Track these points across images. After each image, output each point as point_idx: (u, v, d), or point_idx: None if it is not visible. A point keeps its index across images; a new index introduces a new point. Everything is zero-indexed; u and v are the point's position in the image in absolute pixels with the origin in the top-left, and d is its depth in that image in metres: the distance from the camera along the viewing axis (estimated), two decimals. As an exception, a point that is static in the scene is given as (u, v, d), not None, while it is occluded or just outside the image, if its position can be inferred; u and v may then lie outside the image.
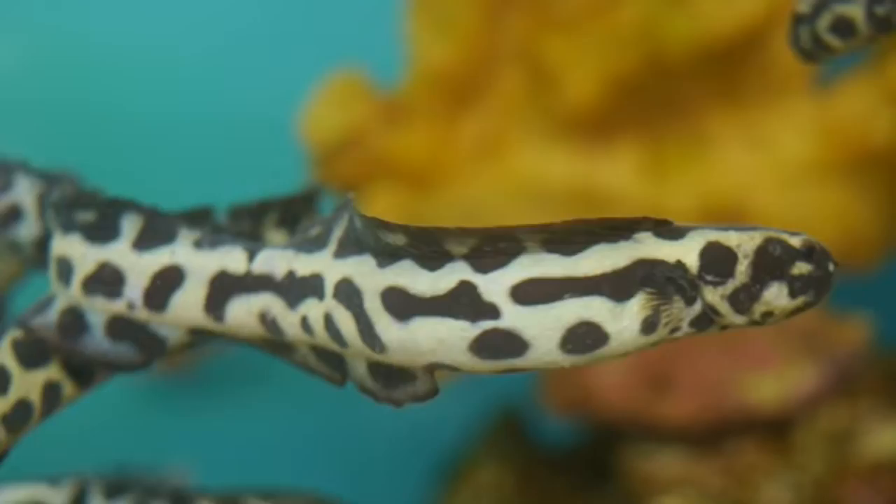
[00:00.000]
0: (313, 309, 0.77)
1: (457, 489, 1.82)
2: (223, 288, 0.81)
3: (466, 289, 0.75)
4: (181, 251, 0.81)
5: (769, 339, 1.68)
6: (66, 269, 0.84)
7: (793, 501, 1.63)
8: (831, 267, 0.78)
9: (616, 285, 0.75)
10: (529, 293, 0.75)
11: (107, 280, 0.81)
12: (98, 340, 0.84)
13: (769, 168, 1.81)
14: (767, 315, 0.78)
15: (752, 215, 1.76)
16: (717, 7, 1.74)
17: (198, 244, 0.81)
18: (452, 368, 0.77)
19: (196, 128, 1.94)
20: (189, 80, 1.95)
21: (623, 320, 0.75)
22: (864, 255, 1.77)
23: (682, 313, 0.76)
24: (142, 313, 0.82)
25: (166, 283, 0.81)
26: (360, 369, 0.79)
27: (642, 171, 1.81)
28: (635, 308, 0.75)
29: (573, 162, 1.80)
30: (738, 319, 0.78)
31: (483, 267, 0.74)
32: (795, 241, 0.77)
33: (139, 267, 0.81)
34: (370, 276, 0.75)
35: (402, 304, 0.75)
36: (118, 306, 0.82)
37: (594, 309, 0.74)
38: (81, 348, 0.84)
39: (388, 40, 1.81)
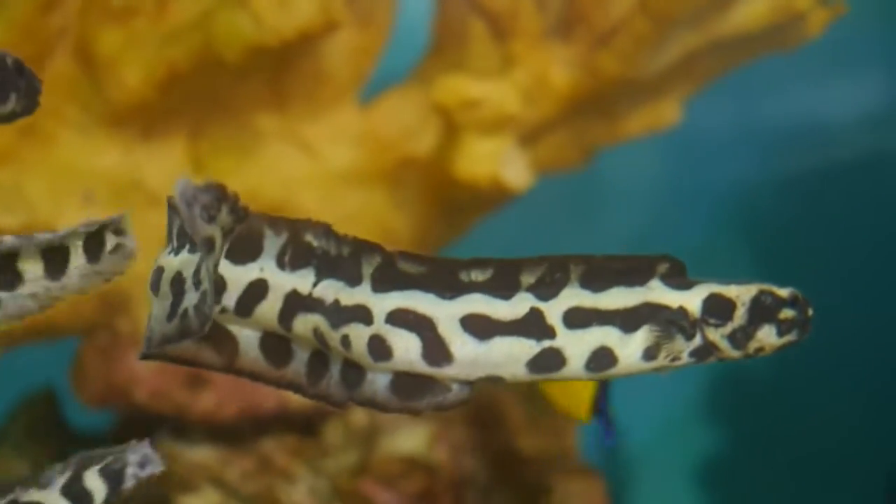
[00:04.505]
0: (356, 331, 0.90)
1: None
2: (292, 305, 0.93)
3: (535, 313, 0.92)
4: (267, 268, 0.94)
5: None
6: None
7: (316, 501, 1.69)
8: (810, 312, 0.95)
9: (626, 320, 0.93)
10: (572, 319, 0.92)
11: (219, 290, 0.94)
12: None
13: (314, 170, 1.87)
14: (759, 350, 0.95)
15: (295, 210, 1.81)
16: (275, 10, 1.78)
17: (280, 264, 0.93)
18: (498, 379, 0.92)
19: None
20: None
21: (628, 348, 0.92)
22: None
23: (682, 346, 0.94)
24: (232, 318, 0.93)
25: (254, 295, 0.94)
26: (380, 383, 0.92)
27: (188, 165, 1.83)
28: (639, 339, 0.93)
29: (121, 154, 1.80)
30: (735, 353, 0.95)
31: (544, 296, 0.92)
32: (783, 293, 0.95)
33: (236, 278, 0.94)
34: (439, 307, 0.91)
35: (485, 327, 0.91)
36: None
37: (610, 336, 0.92)
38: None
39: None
